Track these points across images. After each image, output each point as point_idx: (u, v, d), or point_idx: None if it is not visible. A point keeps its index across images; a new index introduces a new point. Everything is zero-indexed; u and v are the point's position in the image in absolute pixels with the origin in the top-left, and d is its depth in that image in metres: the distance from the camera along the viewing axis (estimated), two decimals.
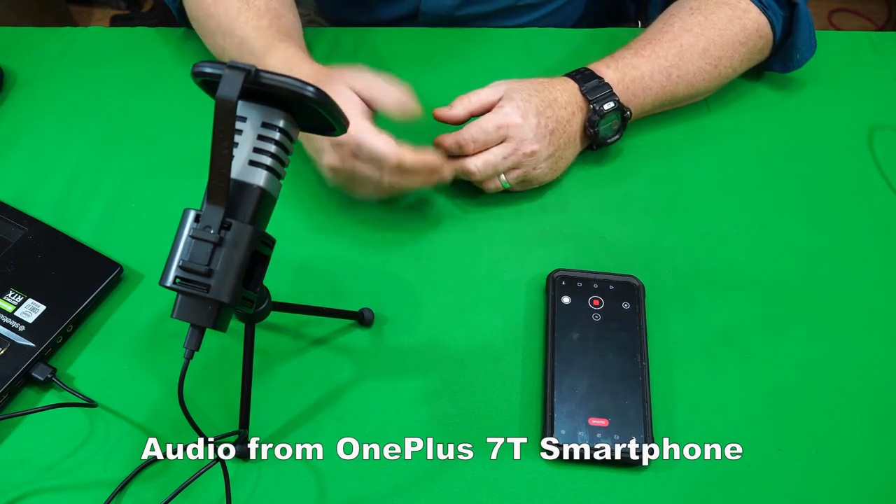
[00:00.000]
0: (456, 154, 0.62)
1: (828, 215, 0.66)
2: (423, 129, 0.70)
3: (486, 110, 0.62)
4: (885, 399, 0.55)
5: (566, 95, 0.63)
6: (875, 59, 0.78)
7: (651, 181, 0.68)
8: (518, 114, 0.60)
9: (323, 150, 0.58)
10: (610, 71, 0.64)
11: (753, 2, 0.68)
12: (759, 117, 0.73)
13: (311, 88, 0.38)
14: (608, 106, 0.63)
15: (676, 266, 0.62)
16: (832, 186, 0.67)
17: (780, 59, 0.72)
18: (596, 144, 0.65)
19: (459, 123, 0.63)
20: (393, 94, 0.58)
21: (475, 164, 0.61)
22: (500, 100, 0.62)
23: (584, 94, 0.63)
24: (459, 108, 0.62)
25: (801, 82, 0.75)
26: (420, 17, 0.83)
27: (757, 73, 0.75)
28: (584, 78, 0.64)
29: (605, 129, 0.64)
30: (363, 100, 0.58)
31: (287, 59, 0.61)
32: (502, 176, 0.62)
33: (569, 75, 0.65)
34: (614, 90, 0.63)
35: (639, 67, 0.65)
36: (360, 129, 0.56)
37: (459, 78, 0.75)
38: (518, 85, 0.62)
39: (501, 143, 0.61)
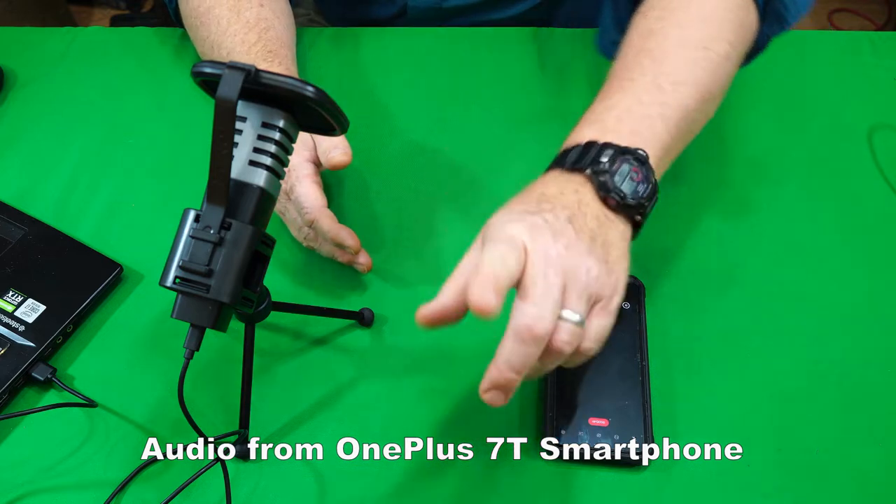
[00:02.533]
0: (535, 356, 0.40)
1: (828, 215, 0.65)
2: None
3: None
4: (885, 399, 0.55)
5: (554, 185, 0.46)
6: (875, 59, 0.78)
7: None
8: (549, 240, 0.41)
9: None
10: (584, 130, 0.49)
11: None
12: (759, 117, 0.73)
13: (310, 88, 0.38)
14: (606, 157, 0.45)
15: (676, 266, 0.62)
16: (832, 186, 0.67)
17: (773, 18, 0.59)
18: (636, 212, 0.46)
19: (456, 312, 0.42)
20: (331, 142, 0.56)
21: (590, 343, 0.42)
22: (502, 248, 0.40)
23: (571, 169, 0.46)
24: (449, 295, 0.42)
25: (802, 82, 0.75)
26: (409, 11, 0.83)
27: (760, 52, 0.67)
28: (562, 156, 0.48)
29: (628, 185, 0.45)
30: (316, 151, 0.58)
31: None
32: (565, 314, 0.41)
33: (546, 171, 0.49)
34: (601, 142, 0.47)
35: (616, 105, 0.49)
36: (300, 174, 0.56)
37: (459, 78, 0.75)
38: (495, 220, 0.43)
39: (564, 287, 0.40)
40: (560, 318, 0.40)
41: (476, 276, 0.38)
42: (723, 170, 0.69)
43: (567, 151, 0.48)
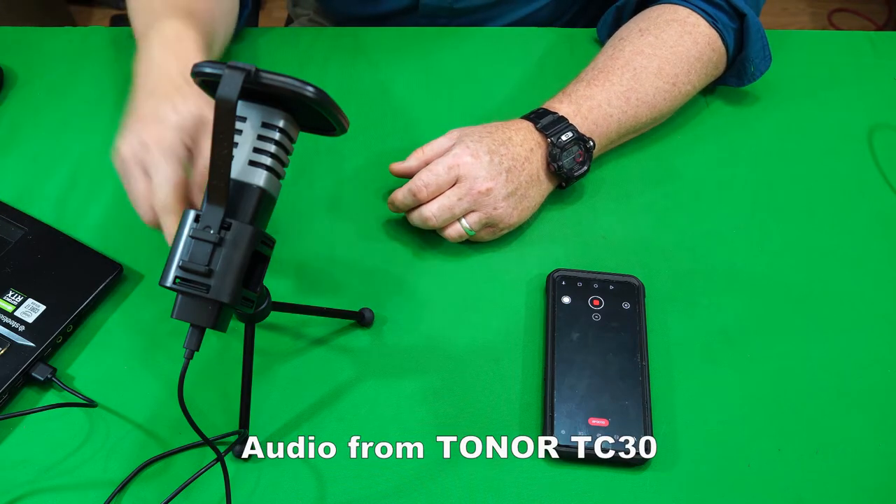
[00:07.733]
0: (411, 205, 0.60)
1: (828, 215, 0.65)
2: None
3: None
4: (885, 399, 0.55)
5: (521, 133, 0.61)
6: (875, 59, 0.78)
7: (650, 181, 0.68)
8: (468, 153, 0.58)
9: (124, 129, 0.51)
10: (564, 105, 0.63)
11: (702, 16, 0.67)
12: (759, 117, 0.73)
13: (310, 88, 0.38)
14: (566, 137, 0.60)
15: (676, 266, 0.62)
16: (832, 186, 0.67)
17: (734, 74, 0.71)
18: (564, 181, 0.63)
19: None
20: None
21: (430, 210, 0.58)
22: (452, 145, 0.60)
23: (539, 130, 0.61)
24: (413, 160, 0.61)
25: (802, 82, 0.75)
26: (420, 9, 0.83)
27: (714, 88, 0.73)
28: (539, 115, 0.62)
29: (569, 162, 0.61)
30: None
31: (167, 39, 0.55)
32: (463, 221, 0.59)
33: (523, 116, 0.63)
34: (571, 121, 0.61)
35: (594, 97, 0.63)
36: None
37: (459, 78, 0.75)
38: (471, 129, 0.61)
39: (455, 185, 0.58)
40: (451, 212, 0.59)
41: (424, 171, 0.59)
42: (722, 169, 0.69)
43: (545, 113, 0.62)
